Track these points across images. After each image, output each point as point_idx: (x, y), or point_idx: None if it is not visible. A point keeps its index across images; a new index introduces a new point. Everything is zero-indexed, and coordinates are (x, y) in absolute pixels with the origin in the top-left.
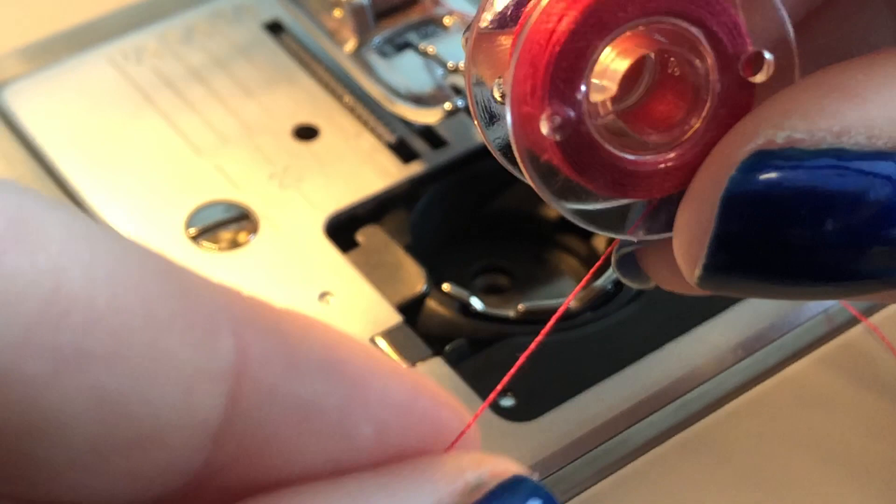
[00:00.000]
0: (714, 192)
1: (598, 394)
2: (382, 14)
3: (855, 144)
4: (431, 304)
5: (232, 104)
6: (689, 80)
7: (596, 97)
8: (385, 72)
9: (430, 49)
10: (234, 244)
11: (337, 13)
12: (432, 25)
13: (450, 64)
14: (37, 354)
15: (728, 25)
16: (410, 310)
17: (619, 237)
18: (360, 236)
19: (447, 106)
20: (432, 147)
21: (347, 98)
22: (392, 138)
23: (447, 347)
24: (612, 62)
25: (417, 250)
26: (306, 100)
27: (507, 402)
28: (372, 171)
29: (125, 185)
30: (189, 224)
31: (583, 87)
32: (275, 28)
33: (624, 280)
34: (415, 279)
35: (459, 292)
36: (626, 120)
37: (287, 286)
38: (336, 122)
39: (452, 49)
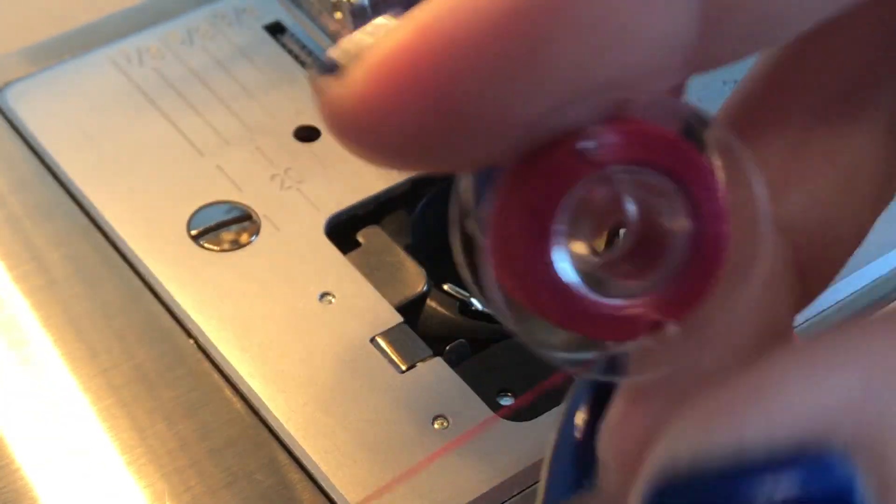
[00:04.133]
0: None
1: None
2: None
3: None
4: (431, 304)
5: (233, 105)
6: (659, 230)
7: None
8: None
9: None
10: (236, 245)
11: (338, 15)
12: None
13: None
14: None
15: (706, 184)
16: (410, 310)
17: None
18: (361, 237)
19: None
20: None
21: None
22: None
23: (447, 347)
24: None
25: (418, 250)
26: (307, 101)
27: (507, 402)
28: (372, 172)
29: (127, 186)
30: (191, 225)
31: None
32: (276, 29)
33: None
34: (415, 279)
35: (459, 292)
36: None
37: (288, 286)
38: None
39: None
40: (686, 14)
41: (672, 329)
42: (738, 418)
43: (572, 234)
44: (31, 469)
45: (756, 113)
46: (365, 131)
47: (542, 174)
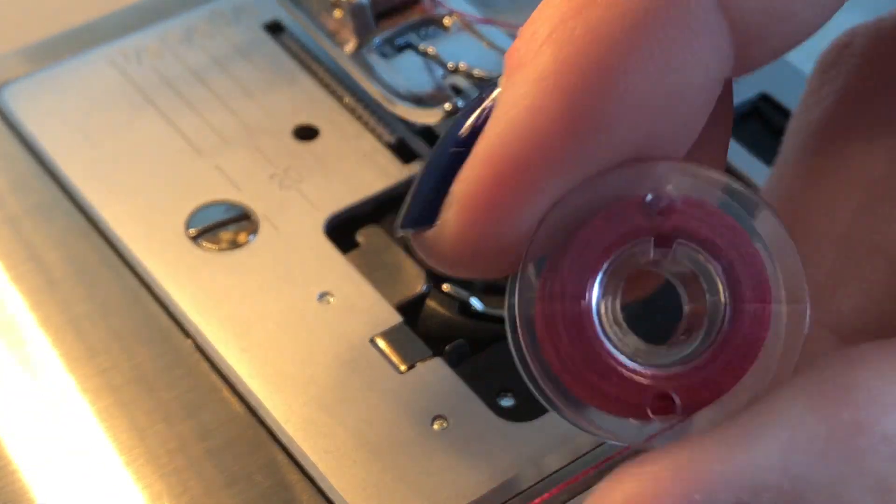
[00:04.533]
0: None
1: None
2: (382, 14)
3: None
4: (431, 304)
5: (232, 104)
6: (702, 304)
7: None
8: (385, 72)
9: (430, 49)
10: (235, 244)
11: (337, 14)
12: (432, 26)
13: (450, 64)
14: None
15: (749, 266)
16: (410, 310)
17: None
18: (360, 237)
19: (447, 106)
20: (432, 148)
21: (347, 99)
22: (392, 139)
23: (447, 347)
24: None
25: None
26: (306, 100)
27: (507, 402)
28: (372, 172)
29: (125, 186)
30: (189, 224)
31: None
32: (275, 28)
33: None
34: (415, 279)
35: (459, 292)
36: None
37: (287, 286)
38: (336, 123)
39: (452, 49)
40: (724, 48)
41: (679, 412)
42: (660, 486)
43: (607, 294)
44: (30, 469)
45: (798, 211)
46: (471, 260)
47: (602, 219)
